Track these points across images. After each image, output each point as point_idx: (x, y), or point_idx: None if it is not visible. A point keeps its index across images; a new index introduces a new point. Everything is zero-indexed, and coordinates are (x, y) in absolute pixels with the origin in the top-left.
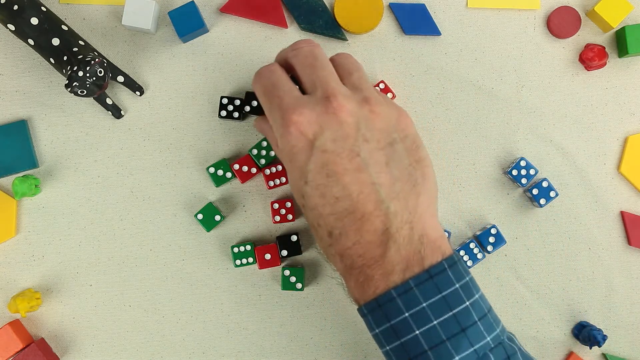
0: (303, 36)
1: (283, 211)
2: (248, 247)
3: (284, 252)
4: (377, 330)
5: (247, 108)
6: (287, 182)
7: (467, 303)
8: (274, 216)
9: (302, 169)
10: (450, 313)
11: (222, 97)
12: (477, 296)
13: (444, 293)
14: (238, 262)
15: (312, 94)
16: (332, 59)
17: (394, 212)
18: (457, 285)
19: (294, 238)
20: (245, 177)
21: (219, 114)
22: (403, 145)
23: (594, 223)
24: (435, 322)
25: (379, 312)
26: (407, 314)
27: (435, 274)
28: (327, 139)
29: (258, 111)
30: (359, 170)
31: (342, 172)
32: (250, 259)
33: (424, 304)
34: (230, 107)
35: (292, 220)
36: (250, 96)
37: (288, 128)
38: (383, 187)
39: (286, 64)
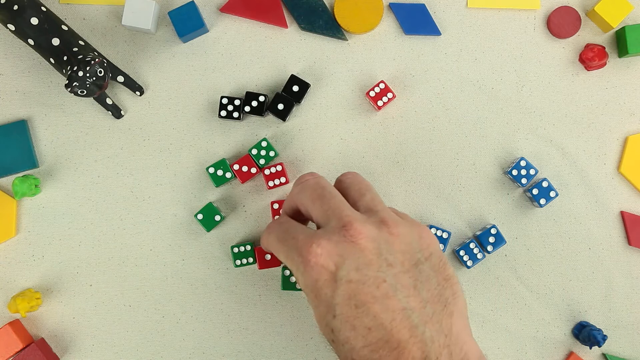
0: (303, 36)
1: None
2: (248, 247)
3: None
4: None
5: (247, 108)
6: (287, 182)
7: None
8: (274, 216)
9: (329, 303)
10: None
11: (222, 97)
12: None
13: None
14: (238, 262)
15: (327, 225)
16: (340, 180)
17: (430, 337)
18: None
19: (281, 107)
20: (245, 177)
21: (219, 114)
22: (429, 264)
23: (594, 223)
24: None
25: None
26: None
27: None
28: (350, 268)
29: (258, 111)
30: (388, 296)
31: (371, 301)
32: (250, 259)
33: None
34: (230, 107)
35: None
36: (250, 96)
37: (308, 263)
38: (415, 311)
39: (294, 209)
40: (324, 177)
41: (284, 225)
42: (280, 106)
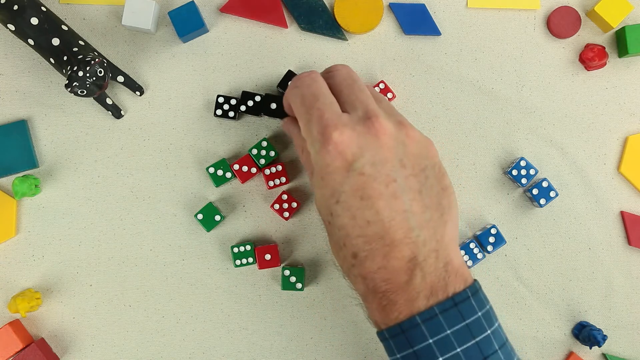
0: (303, 36)
1: (285, 205)
2: (248, 247)
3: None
4: (398, 356)
5: (243, 107)
6: (287, 182)
7: (489, 331)
8: (283, 215)
9: (335, 189)
10: (473, 341)
11: (218, 96)
12: (496, 325)
13: (467, 321)
14: (238, 262)
15: (352, 111)
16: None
17: (422, 240)
18: (480, 314)
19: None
20: (245, 177)
21: (215, 113)
22: (433, 172)
23: (594, 223)
24: (458, 350)
25: (401, 337)
26: (430, 341)
27: (459, 301)
28: (366, 162)
29: (254, 111)
30: (394, 196)
31: (377, 196)
32: (250, 259)
33: (448, 331)
34: (226, 106)
35: (296, 207)
36: (246, 96)
37: (327, 146)
38: (415, 215)
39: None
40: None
41: (314, 85)
42: (273, 105)
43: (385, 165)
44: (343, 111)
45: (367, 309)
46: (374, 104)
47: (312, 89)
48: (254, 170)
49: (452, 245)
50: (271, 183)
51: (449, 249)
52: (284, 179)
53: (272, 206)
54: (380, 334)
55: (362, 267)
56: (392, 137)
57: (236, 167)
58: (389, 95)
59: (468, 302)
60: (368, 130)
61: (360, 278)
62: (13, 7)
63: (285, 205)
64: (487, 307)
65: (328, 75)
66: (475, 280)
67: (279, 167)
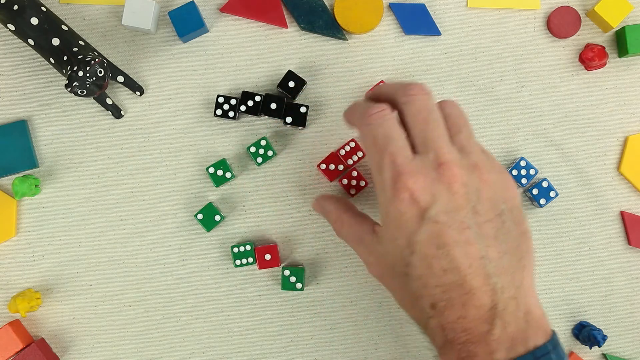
0: (303, 36)
1: (354, 182)
2: (248, 247)
3: (289, 119)
4: None
5: (243, 107)
6: (366, 184)
7: None
8: (350, 191)
9: (410, 239)
10: None
11: (218, 96)
12: None
13: None
14: (238, 262)
15: (423, 155)
16: (439, 107)
17: (501, 288)
18: None
19: (303, 109)
20: (333, 175)
21: (214, 112)
22: (511, 216)
23: (594, 223)
24: None
25: None
26: None
27: (539, 356)
28: (439, 209)
29: (254, 111)
30: (469, 243)
31: (452, 243)
32: (250, 259)
33: None
34: (226, 106)
35: (364, 186)
36: (246, 96)
37: (400, 193)
38: (492, 261)
39: (389, 101)
40: (432, 95)
41: (386, 125)
42: (273, 105)
43: (458, 212)
44: (414, 150)
45: None
46: (447, 146)
47: (384, 128)
48: (341, 167)
49: (531, 292)
50: (352, 191)
51: (528, 296)
52: (363, 183)
53: (340, 181)
54: None
55: (442, 317)
56: (464, 185)
57: (323, 166)
58: None
59: (548, 358)
60: (440, 178)
61: (439, 329)
62: (13, 7)
63: (354, 182)
64: None
65: (404, 99)
66: (553, 332)
67: (354, 173)
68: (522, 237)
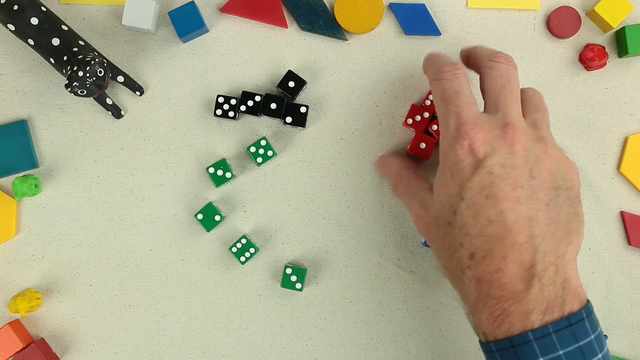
0: (303, 36)
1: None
2: (244, 241)
3: (289, 119)
4: None
5: (243, 107)
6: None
7: (600, 355)
8: (439, 136)
9: (463, 185)
10: None
11: (218, 96)
12: (606, 349)
13: (580, 343)
14: (242, 258)
15: (492, 114)
16: (522, 90)
17: (543, 250)
18: (592, 337)
19: (303, 109)
20: (422, 125)
21: (214, 112)
22: (567, 194)
23: (594, 223)
24: None
25: (510, 352)
26: (541, 359)
27: (574, 322)
28: (496, 162)
29: (254, 111)
30: (519, 201)
31: (503, 197)
32: (252, 250)
33: (561, 352)
34: (226, 106)
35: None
36: (246, 96)
37: (461, 141)
38: (539, 224)
39: (470, 62)
40: (516, 68)
41: (456, 81)
42: (273, 105)
43: (515, 170)
44: (485, 110)
45: (475, 319)
46: (517, 111)
47: (454, 84)
48: (426, 115)
49: (572, 265)
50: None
51: (568, 266)
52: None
53: (430, 127)
54: (485, 344)
55: (479, 268)
56: (526, 148)
57: (410, 121)
58: None
59: (582, 324)
60: (503, 136)
61: (474, 281)
62: (13, 7)
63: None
64: (599, 330)
65: (488, 64)
66: (588, 301)
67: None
68: (574, 217)
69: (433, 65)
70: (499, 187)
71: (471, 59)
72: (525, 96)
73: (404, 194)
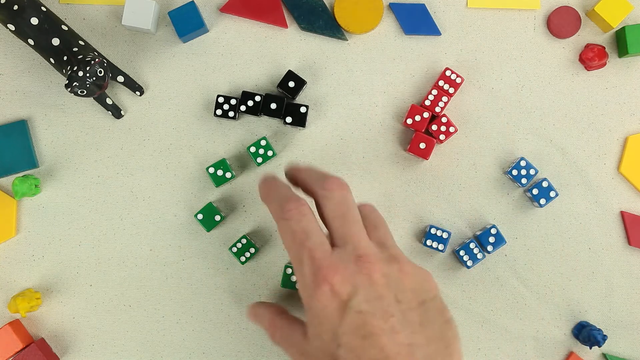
0: (303, 36)
1: (444, 128)
2: (244, 241)
3: (289, 119)
4: None
5: (243, 107)
6: (456, 130)
7: None
8: (439, 137)
9: (335, 331)
10: None
11: (218, 96)
12: None
13: None
14: (243, 258)
15: (342, 248)
16: (359, 209)
17: None
18: None
19: (303, 109)
20: (422, 125)
21: (214, 112)
22: (434, 305)
23: (594, 223)
24: None
25: None
26: None
27: None
28: (362, 299)
29: (254, 111)
30: (395, 331)
31: (379, 332)
32: (252, 250)
33: None
34: (226, 106)
35: (454, 132)
36: (246, 96)
37: (322, 287)
38: (419, 347)
39: (299, 184)
40: (350, 190)
41: (304, 221)
42: (273, 105)
43: (381, 301)
44: (332, 243)
45: None
46: (365, 239)
47: (302, 224)
48: (426, 115)
49: None
50: (442, 137)
51: None
52: (453, 129)
53: (429, 127)
54: None
55: None
56: (384, 275)
57: (410, 121)
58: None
59: None
60: (359, 270)
61: None
62: (13, 7)
63: (444, 128)
64: None
65: (322, 193)
66: None
67: (444, 119)
68: (446, 325)
69: (274, 198)
70: (372, 323)
71: (300, 183)
72: (363, 215)
73: (282, 342)
